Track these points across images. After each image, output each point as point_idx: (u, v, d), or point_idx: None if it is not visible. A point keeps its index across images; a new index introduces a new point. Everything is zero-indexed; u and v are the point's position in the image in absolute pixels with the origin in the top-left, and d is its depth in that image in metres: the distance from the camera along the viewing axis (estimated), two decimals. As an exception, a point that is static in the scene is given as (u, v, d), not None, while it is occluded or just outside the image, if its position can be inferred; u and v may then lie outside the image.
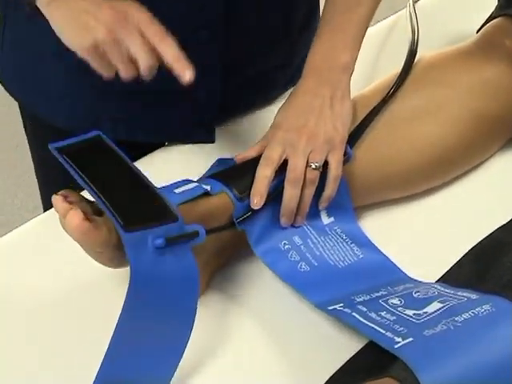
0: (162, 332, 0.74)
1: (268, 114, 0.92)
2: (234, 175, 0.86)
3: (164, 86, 0.84)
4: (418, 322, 0.75)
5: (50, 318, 0.82)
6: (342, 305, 0.80)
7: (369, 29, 0.93)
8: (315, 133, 0.84)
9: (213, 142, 1.02)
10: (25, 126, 1.13)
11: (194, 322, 0.75)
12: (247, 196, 0.83)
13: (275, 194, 0.85)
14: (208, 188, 0.83)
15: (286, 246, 0.86)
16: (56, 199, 0.73)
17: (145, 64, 0.75)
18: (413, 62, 0.98)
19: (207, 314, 0.81)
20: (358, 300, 0.81)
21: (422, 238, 0.92)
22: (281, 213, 0.84)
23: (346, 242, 0.88)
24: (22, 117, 1.12)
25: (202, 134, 1.01)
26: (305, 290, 0.83)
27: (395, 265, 0.87)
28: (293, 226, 0.87)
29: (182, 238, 0.73)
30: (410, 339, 0.72)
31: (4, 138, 2.32)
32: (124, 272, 0.77)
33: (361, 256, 0.87)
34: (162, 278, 0.72)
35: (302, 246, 0.87)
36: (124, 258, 0.72)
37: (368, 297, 0.81)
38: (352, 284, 0.84)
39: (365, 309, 0.78)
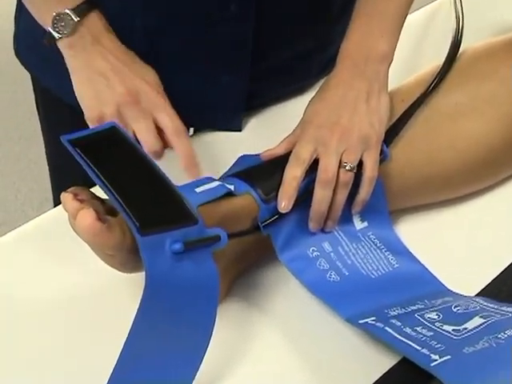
0: (178, 340, 0.73)
1: (299, 105, 0.89)
2: (259, 175, 0.84)
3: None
4: (457, 338, 0.74)
5: (55, 324, 0.82)
6: (374, 318, 0.78)
7: (408, 16, 0.91)
8: (349, 130, 0.82)
9: (239, 130, 1.01)
10: (37, 103, 1.14)
11: (212, 331, 0.73)
12: (274, 198, 0.81)
13: (304, 197, 0.82)
14: (231, 188, 0.81)
15: (315, 253, 0.85)
16: (65, 197, 0.72)
17: (149, 149, 0.82)
18: (457, 52, 0.96)
19: (226, 322, 0.80)
20: (391, 314, 0.79)
21: (463, 246, 0.91)
22: (310, 217, 0.82)
23: (381, 250, 0.87)
24: (35, 92, 1.12)
25: (227, 121, 1.01)
26: (333, 302, 0.81)
27: (434, 276, 0.86)
28: (322, 230, 0.85)
29: (202, 242, 0.72)
30: (448, 357, 0.71)
31: (6, 129, 2.33)
32: (136, 276, 0.77)
33: (396, 265, 0.86)
34: (179, 284, 0.71)
35: (332, 254, 0.85)
36: (138, 263, 0.71)
37: (403, 310, 0.80)
38: (385, 296, 0.83)
39: (399, 323, 0.77)
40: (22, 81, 1.16)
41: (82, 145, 0.75)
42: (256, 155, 0.89)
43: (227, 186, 0.81)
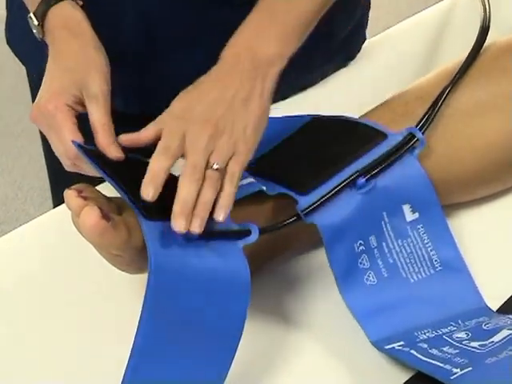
0: (196, 345, 0.72)
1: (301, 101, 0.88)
2: (290, 171, 0.85)
3: None
4: (481, 351, 0.73)
5: (56, 323, 0.82)
6: (401, 343, 0.77)
7: (425, 10, 0.90)
8: (221, 131, 0.77)
9: None
10: (33, 96, 1.12)
11: (242, 330, 0.72)
12: (311, 187, 0.82)
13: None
14: (264, 188, 0.81)
15: (360, 248, 0.83)
16: (69, 194, 0.71)
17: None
18: (484, 41, 0.94)
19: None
20: (421, 337, 0.78)
21: (484, 251, 0.89)
22: (173, 214, 0.72)
23: (426, 249, 0.84)
24: (30, 86, 1.11)
25: None
26: (363, 319, 0.80)
27: (477, 291, 0.83)
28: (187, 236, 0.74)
29: (226, 234, 0.73)
30: (469, 369, 0.71)
31: (7, 123, 2.32)
32: (139, 276, 0.77)
33: (439, 268, 0.84)
34: (195, 276, 0.70)
35: (376, 250, 0.83)
36: (144, 263, 0.70)
37: (433, 334, 0.78)
38: (419, 312, 0.81)
39: (425, 345, 0.76)
40: (23, 74, 1.14)
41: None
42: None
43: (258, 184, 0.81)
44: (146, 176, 0.72)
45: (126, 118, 0.92)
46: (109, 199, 0.73)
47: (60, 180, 0.86)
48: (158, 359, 0.70)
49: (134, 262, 0.72)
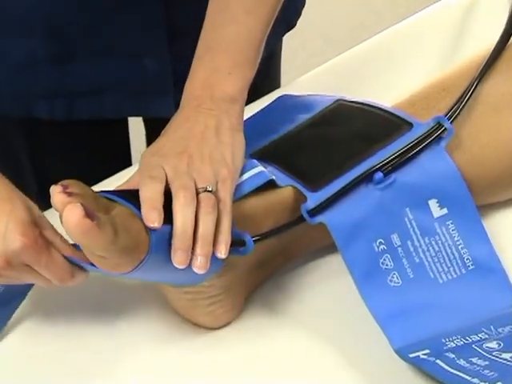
0: None
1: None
2: (301, 162, 0.83)
3: None
4: None
5: (56, 323, 0.82)
6: (427, 352, 0.75)
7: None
8: (197, 156, 0.76)
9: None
10: None
11: None
12: (322, 183, 0.80)
13: None
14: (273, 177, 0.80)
15: (381, 247, 0.80)
16: (54, 189, 0.68)
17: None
18: None
19: (246, 334, 0.80)
20: (448, 346, 0.75)
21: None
22: (173, 248, 0.71)
23: (457, 247, 0.81)
24: None
25: (158, 107, 1.00)
26: (386, 324, 0.77)
27: None
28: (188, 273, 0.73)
29: None
30: (499, 383, 0.69)
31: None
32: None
33: (471, 267, 0.81)
34: None
35: (400, 249, 0.80)
36: (129, 269, 0.69)
37: (462, 341, 0.76)
38: (448, 316, 0.78)
39: (453, 355, 0.74)
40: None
41: None
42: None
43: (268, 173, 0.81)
44: (142, 207, 0.71)
45: (53, 125, 0.98)
46: (95, 196, 0.71)
47: (46, 183, 0.83)
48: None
49: (117, 265, 0.70)
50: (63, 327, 0.82)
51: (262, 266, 0.81)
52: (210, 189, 0.73)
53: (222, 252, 0.72)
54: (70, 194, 0.67)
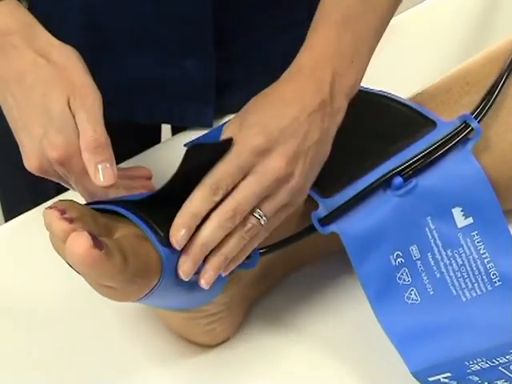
0: None
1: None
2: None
3: None
4: None
5: (55, 321, 0.82)
6: (448, 375, 0.72)
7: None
8: (285, 176, 0.70)
9: (210, 126, 0.97)
10: None
11: None
12: (335, 190, 0.77)
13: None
14: None
15: (399, 260, 0.77)
16: (49, 215, 0.64)
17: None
18: None
19: (245, 349, 0.79)
20: (472, 369, 0.73)
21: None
22: (185, 254, 0.69)
23: (482, 261, 0.79)
24: None
25: (197, 115, 0.97)
26: (403, 346, 0.75)
27: None
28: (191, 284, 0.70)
29: None
30: None
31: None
32: None
33: (498, 283, 0.78)
34: None
35: (419, 262, 0.78)
36: (141, 295, 0.66)
37: (488, 364, 0.73)
38: (473, 337, 0.76)
39: (477, 378, 0.71)
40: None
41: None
42: None
43: None
44: (179, 214, 0.68)
45: None
46: (95, 216, 0.67)
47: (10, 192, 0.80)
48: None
49: (126, 294, 0.67)
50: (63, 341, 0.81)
51: (265, 277, 0.80)
52: (263, 221, 0.69)
53: (228, 271, 0.70)
54: (71, 221, 0.63)
